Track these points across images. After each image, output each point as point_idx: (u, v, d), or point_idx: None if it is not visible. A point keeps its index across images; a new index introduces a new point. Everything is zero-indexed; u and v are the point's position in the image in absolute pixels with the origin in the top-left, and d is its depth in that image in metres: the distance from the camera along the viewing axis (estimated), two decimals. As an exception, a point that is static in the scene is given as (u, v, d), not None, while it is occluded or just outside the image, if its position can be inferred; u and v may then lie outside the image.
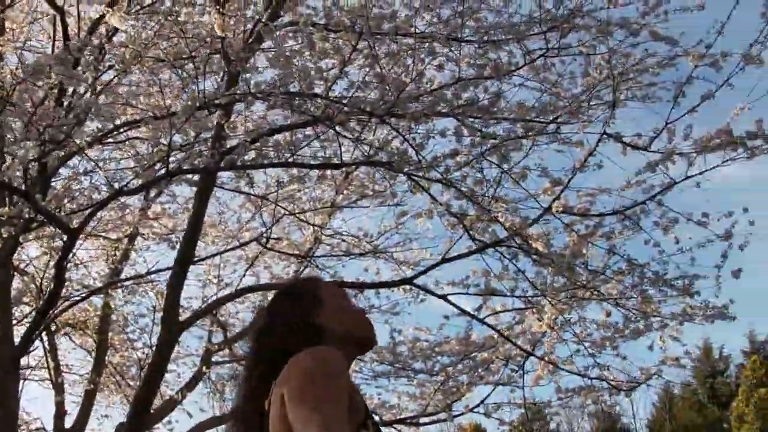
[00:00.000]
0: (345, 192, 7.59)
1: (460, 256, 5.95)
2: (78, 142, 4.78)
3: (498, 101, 4.94)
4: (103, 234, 7.42)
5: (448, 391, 7.57)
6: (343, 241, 7.39)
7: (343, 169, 7.69)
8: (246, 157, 4.95)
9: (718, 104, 5.91)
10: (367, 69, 5.30)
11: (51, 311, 5.86)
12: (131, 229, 7.30)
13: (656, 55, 5.92)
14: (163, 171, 4.96)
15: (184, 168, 4.99)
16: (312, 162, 5.32)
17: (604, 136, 5.84)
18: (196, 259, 6.38)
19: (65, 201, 5.61)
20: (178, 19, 5.55)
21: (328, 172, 7.77)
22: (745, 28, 5.79)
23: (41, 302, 5.68)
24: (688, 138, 5.71)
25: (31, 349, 6.30)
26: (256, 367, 1.95)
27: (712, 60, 5.53)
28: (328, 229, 7.48)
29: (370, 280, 7.02)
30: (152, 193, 7.62)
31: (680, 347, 6.32)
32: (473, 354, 6.84)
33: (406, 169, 4.88)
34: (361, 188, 7.58)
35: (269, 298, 2.46)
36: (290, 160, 4.98)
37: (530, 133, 4.90)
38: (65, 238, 5.25)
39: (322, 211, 7.30)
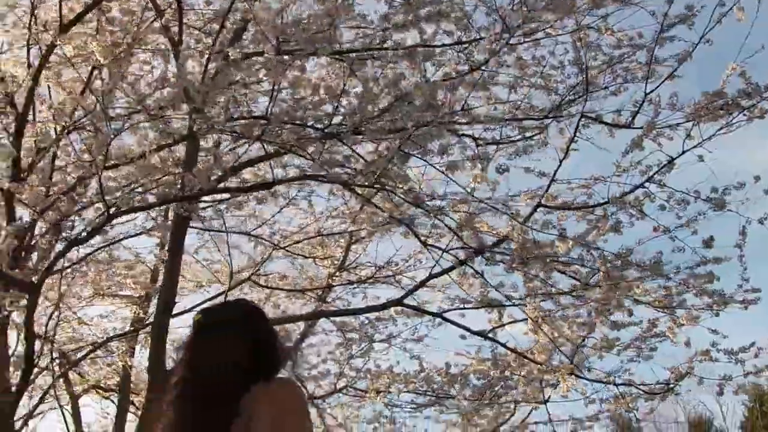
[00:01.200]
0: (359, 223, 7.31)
1: (445, 271, 5.56)
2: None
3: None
4: (120, 293, 7.42)
5: (493, 414, 7.15)
6: (349, 272, 7.11)
7: (357, 200, 7.40)
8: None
9: (703, 70, 5.32)
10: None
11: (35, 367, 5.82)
12: (146, 286, 7.26)
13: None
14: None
15: (124, 209, 4.87)
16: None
17: (583, 118, 5.36)
18: (184, 309, 6.23)
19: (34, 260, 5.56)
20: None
21: (340, 204, 7.51)
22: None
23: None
24: (675, 108, 5.14)
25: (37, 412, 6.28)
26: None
27: (681, 17, 4.96)
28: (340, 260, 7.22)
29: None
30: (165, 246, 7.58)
31: (714, 338, 5.59)
32: (492, 373, 6.33)
33: (342, 180, 4.56)
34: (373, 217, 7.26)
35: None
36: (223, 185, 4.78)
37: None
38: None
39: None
